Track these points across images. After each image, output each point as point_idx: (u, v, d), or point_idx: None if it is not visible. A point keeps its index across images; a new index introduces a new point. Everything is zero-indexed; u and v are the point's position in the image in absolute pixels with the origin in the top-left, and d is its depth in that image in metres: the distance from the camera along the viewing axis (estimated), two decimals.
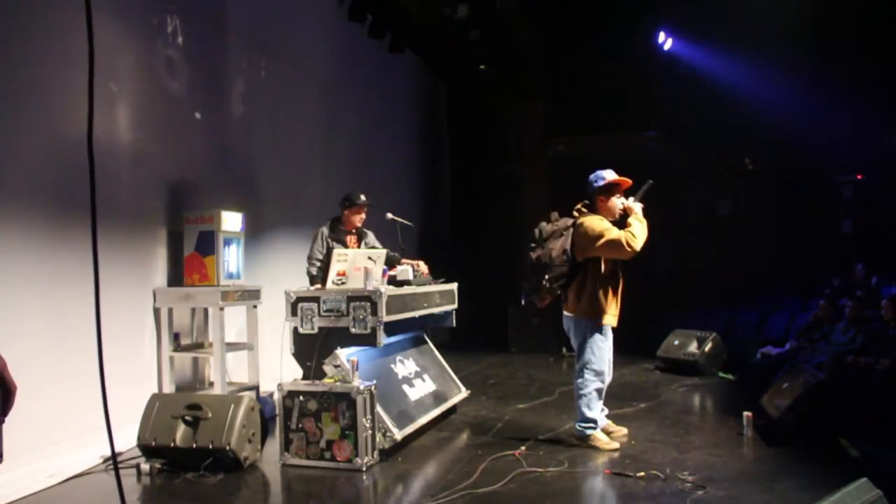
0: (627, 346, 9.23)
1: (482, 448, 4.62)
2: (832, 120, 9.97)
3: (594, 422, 4.58)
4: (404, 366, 5.36)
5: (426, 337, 6.12)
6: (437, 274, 5.73)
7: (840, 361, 5.98)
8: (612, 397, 6.42)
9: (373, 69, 9.12)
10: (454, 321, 5.99)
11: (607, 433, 4.73)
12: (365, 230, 5.74)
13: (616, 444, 4.57)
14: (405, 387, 5.13)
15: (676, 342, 8.03)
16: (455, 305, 5.91)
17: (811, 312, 7.57)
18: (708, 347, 7.71)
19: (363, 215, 5.64)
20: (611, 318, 4.56)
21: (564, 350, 8.79)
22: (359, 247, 5.56)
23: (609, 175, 4.56)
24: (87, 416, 4.35)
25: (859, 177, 11.09)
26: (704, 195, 11.37)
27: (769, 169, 11.13)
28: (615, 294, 4.56)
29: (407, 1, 8.86)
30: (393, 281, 5.06)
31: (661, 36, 10.84)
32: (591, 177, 4.60)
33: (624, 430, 4.89)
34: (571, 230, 4.55)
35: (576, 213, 4.66)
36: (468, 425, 5.38)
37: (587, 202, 4.66)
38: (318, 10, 7.68)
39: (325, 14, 7.86)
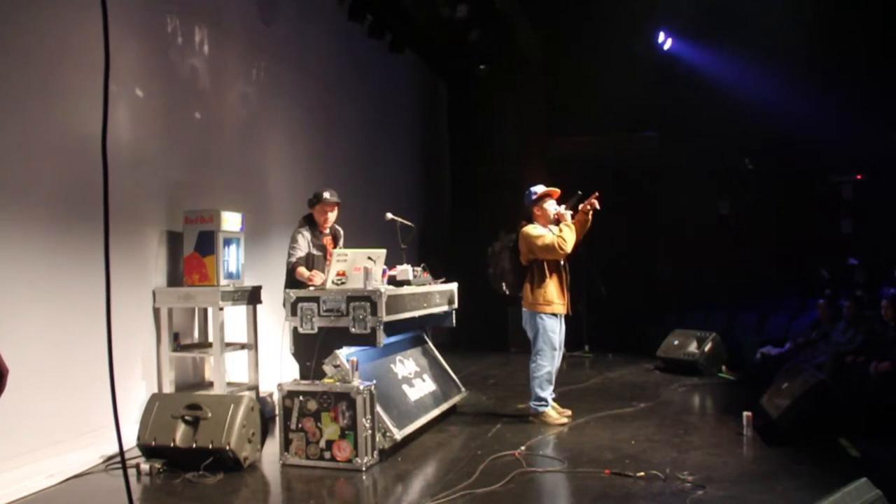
0: (627, 346, 9.33)
1: (482, 448, 4.62)
2: (832, 120, 9.95)
3: (545, 400, 5.37)
4: (404, 366, 5.36)
5: (426, 337, 6.12)
6: (437, 274, 5.73)
7: (840, 361, 5.97)
8: (612, 397, 6.46)
9: (372, 69, 9.11)
10: (454, 321, 5.99)
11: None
12: (338, 228, 5.49)
13: (565, 419, 5.36)
14: (405, 387, 5.13)
15: (676, 342, 8.03)
16: (455, 305, 5.91)
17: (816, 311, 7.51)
18: (708, 347, 7.71)
19: (333, 213, 5.28)
20: (558, 307, 5.33)
21: (564, 350, 8.77)
22: (335, 247, 5.38)
23: (539, 189, 5.43)
24: (87, 417, 4.37)
25: (859, 177, 11.07)
26: (704, 195, 11.34)
27: (769, 169, 11.11)
28: (560, 287, 5.34)
29: (407, 1, 8.86)
30: (393, 281, 5.06)
31: (661, 36, 10.84)
32: (526, 193, 5.47)
33: (569, 412, 5.45)
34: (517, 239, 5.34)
35: (519, 227, 5.38)
36: (468, 425, 5.39)
37: (528, 217, 5.40)
38: (317, 10, 7.68)
39: (324, 14, 7.86)
